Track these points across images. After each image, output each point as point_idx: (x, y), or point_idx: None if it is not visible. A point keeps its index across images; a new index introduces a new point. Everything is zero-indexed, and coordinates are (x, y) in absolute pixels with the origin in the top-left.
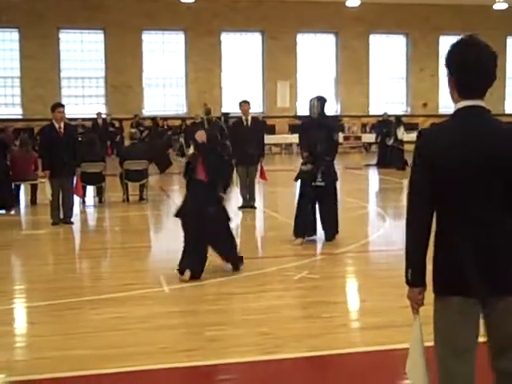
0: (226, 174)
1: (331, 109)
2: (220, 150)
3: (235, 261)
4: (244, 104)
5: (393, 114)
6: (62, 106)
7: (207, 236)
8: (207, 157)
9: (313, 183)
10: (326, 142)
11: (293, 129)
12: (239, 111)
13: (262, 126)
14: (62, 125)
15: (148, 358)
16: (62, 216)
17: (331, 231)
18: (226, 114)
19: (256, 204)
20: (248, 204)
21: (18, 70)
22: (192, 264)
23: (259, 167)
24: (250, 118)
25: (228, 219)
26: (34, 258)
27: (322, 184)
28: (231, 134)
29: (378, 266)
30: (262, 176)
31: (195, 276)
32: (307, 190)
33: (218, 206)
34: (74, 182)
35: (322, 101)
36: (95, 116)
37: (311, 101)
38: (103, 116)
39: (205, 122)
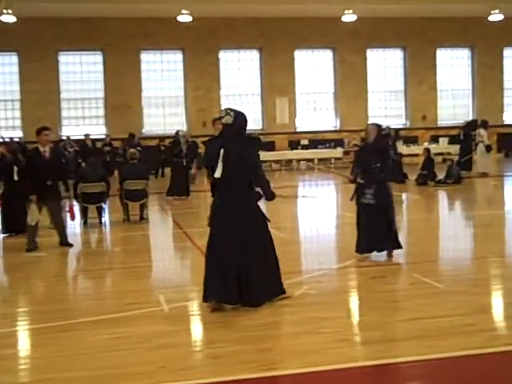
0: None
1: (330, 123)
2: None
3: None
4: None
5: (391, 127)
6: (48, 129)
7: None
8: None
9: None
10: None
11: (292, 145)
12: None
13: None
14: (47, 148)
15: (148, 378)
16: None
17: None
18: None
19: None
20: None
21: (18, 93)
22: None
23: None
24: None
25: None
26: (35, 280)
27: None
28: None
29: (377, 281)
30: None
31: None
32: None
33: None
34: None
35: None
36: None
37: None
38: (90, 137)
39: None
